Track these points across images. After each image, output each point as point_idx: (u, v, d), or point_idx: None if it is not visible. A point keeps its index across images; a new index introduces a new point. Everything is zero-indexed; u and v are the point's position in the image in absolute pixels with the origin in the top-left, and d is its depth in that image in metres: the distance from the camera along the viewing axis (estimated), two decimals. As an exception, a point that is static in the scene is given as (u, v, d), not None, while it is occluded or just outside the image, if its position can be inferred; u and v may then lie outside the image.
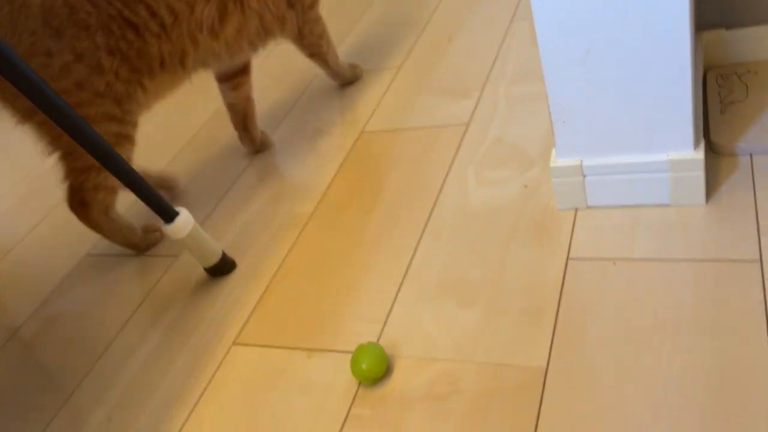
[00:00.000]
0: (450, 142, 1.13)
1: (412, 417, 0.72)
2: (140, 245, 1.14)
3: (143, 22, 0.99)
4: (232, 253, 1.04)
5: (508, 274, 0.85)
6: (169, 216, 0.94)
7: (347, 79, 1.38)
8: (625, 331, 0.73)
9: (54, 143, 1.01)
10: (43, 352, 1.01)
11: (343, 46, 1.54)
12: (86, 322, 1.03)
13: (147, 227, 1.15)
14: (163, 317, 0.98)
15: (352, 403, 0.76)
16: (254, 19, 1.12)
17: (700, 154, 0.81)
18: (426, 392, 0.74)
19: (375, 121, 1.26)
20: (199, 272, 1.04)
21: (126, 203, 1.28)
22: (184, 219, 0.95)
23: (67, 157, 1.02)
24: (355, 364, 0.77)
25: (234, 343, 0.90)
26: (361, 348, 0.78)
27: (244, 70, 1.24)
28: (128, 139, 1.05)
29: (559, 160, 0.88)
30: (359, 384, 0.78)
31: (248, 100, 1.26)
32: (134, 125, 1.05)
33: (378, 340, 0.83)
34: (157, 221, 0.97)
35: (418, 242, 0.96)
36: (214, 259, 1.01)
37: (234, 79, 1.23)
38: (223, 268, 1.02)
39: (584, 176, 0.87)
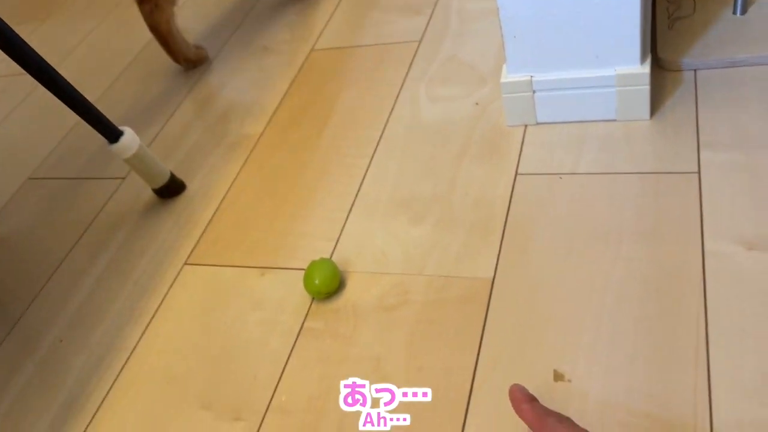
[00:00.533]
0: (402, 59, 1.11)
1: (364, 327, 0.74)
2: (193, 60, 1.25)
3: None
4: (180, 174, 1.02)
5: (458, 190, 0.86)
6: (114, 135, 0.92)
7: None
8: (569, 242, 0.76)
9: None
10: (-11, 277, 0.99)
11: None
12: (32, 247, 1.01)
13: (197, 45, 1.27)
14: (112, 240, 0.97)
15: (306, 317, 0.77)
16: None
17: (646, 69, 0.82)
18: (377, 304, 0.76)
19: (325, 38, 1.23)
20: (148, 194, 1.02)
21: (69, 124, 1.23)
22: (130, 138, 0.92)
23: None
24: (307, 279, 0.78)
25: (186, 263, 0.90)
26: (313, 264, 0.78)
27: None
28: None
29: (509, 76, 0.88)
30: (312, 299, 0.79)
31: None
32: None
33: (331, 256, 0.84)
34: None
35: (371, 160, 0.95)
36: (162, 179, 0.99)
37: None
38: (172, 189, 1.00)
39: (534, 92, 0.88)
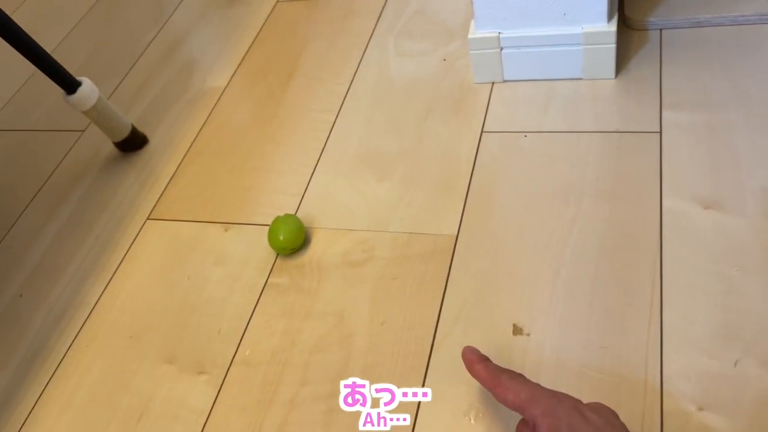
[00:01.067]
0: (370, 11, 1.09)
1: (328, 283, 0.75)
2: None
3: None
4: (142, 128, 1.00)
5: (424, 147, 0.86)
6: (71, 86, 0.89)
7: None
8: (532, 199, 0.76)
9: None
10: (-56, 231, 0.96)
11: None
12: (-11, 200, 0.99)
13: None
14: (72, 194, 0.95)
15: (270, 272, 0.77)
16: None
17: (612, 27, 0.82)
18: (342, 260, 0.76)
19: (292, -11, 1.20)
20: (109, 147, 1.00)
21: (24, 74, 1.19)
22: (88, 89, 0.90)
23: None
24: (272, 235, 0.77)
25: (148, 218, 0.88)
26: (278, 219, 0.78)
27: None
28: None
29: (477, 32, 0.88)
30: (277, 255, 0.79)
31: None
32: None
33: (296, 212, 0.83)
34: None
35: (337, 115, 0.94)
36: (123, 133, 0.96)
37: None
38: (133, 142, 0.98)
39: (501, 48, 0.87)
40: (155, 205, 0.90)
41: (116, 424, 0.68)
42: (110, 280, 0.82)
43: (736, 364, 0.59)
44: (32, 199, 0.96)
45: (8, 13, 0.82)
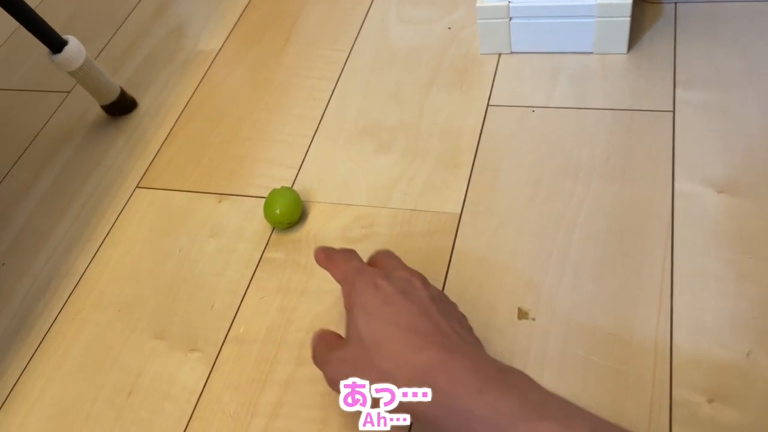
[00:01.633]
0: (371, -24, 1.05)
1: (326, 260, 0.72)
2: None
3: None
4: (131, 91, 0.96)
5: (426, 120, 0.83)
6: (57, 45, 0.84)
7: None
8: (539, 177, 0.74)
9: None
10: None
11: None
12: (-31, 163, 0.95)
13: None
14: (57, 158, 0.91)
15: (266, 247, 0.74)
16: None
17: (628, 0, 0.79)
18: (340, 236, 0.74)
19: (289, -51, 1.15)
20: (96, 110, 0.95)
21: (6, 31, 1.14)
22: (75, 49, 0.85)
23: None
24: (268, 208, 0.74)
25: (138, 186, 0.85)
26: (274, 192, 0.75)
27: None
28: None
29: (485, 0, 0.84)
30: (272, 229, 0.76)
31: None
32: None
33: (292, 185, 0.80)
34: None
35: (336, 84, 0.91)
36: (111, 96, 0.92)
37: None
38: (122, 106, 0.94)
39: (510, 18, 0.84)
40: (145, 173, 0.86)
41: (104, 400, 0.65)
42: (97, 250, 0.79)
43: (748, 355, 0.57)
44: (14, 164, 0.92)
45: (-11, -36, 0.77)
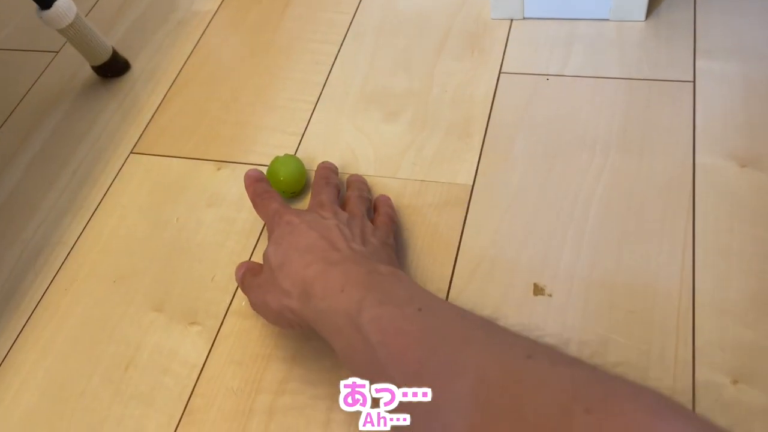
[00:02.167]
0: (376, -64, 1.00)
1: (332, 232, 0.69)
2: None
3: None
4: (124, 52, 0.91)
5: (435, 87, 0.80)
6: (46, 0, 0.79)
7: None
8: (555, 149, 0.71)
9: None
10: None
11: None
12: (-48, 125, 0.90)
13: None
14: (46, 122, 0.87)
15: (268, 217, 0.71)
16: None
17: (649, -36, 0.76)
18: (347, 207, 0.70)
19: None
20: (87, 72, 0.91)
21: (-12, -14, 1.08)
22: (65, 5, 0.80)
23: None
24: (272, 176, 0.71)
25: (132, 152, 0.81)
26: (277, 159, 0.71)
27: None
28: None
29: (499, -38, 0.80)
30: (274, 198, 0.73)
31: None
32: None
33: (295, 153, 0.77)
34: None
35: (340, 47, 0.87)
36: (103, 56, 0.88)
37: None
38: (114, 67, 0.89)
39: (525, -18, 0.80)
40: (139, 138, 0.82)
41: (100, 374, 0.63)
42: (90, 219, 0.75)
43: (773, 334, 0.55)
44: (1, 125, 0.87)
45: None
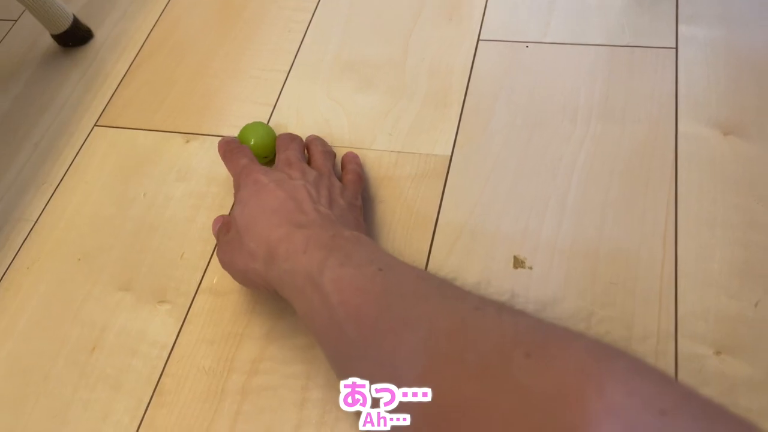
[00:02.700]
0: None
1: (306, 205, 0.66)
2: None
3: None
4: (86, 20, 0.87)
5: (412, 55, 0.77)
6: (-2, -36, 0.75)
7: None
8: (535, 118, 0.69)
9: None
10: None
11: None
12: None
13: None
14: (4, 93, 0.82)
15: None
16: None
17: (631, -74, 0.73)
18: (321, 179, 0.68)
19: None
20: (47, 40, 0.87)
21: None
22: (19, -31, 0.76)
23: None
24: (242, 141, 0.68)
25: (96, 125, 0.77)
26: (247, 127, 0.68)
27: None
28: None
29: (477, -76, 0.77)
30: (246, 171, 0.70)
31: None
32: None
33: (267, 123, 0.74)
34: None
35: (313, 14, 0.83)
36: (64, 24, 0.83)
37: None
38: (75, 36, 0.85)
39: (504, -56, 0.77)
40: (104, 110, 0.79)
41: (65, 357, 0.60)
42: (53, 194, 0.72)
43: (756, 305, 0.54)
44: (-43, 98, 0.83)
45: None
